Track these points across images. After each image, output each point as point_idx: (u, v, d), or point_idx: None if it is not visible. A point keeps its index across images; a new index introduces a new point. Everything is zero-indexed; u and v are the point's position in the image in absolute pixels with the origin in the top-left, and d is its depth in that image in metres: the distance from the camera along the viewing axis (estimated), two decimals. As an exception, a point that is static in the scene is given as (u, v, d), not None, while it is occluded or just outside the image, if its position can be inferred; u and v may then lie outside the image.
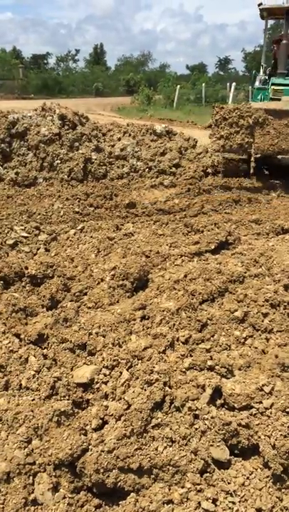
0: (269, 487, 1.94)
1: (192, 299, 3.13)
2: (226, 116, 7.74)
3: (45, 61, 58.64)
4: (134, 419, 2.04)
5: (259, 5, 9.33)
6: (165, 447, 1.99)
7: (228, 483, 1.91)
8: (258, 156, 7.76)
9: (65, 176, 7.10)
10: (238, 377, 2.34)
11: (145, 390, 2.15)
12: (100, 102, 31.94)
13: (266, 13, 9.57)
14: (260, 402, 2.12)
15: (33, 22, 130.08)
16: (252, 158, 7.62)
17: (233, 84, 26.22)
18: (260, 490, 1.91)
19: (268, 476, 1.97)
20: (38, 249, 4.62)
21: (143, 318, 3.01)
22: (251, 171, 7.64)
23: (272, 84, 9.15)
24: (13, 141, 7.40)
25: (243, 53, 64.40)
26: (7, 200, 6.39)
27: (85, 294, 3.51)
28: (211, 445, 2.01)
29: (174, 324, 2.87)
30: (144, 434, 2.02)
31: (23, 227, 4.96)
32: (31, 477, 1.99)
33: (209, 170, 8.16)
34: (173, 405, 2.12)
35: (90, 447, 2.03)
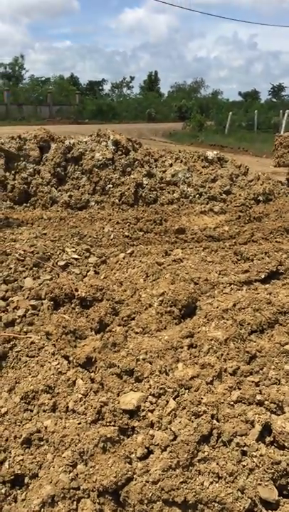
0: None
1: (241, 329, 3.08)
2: (282, 142, 11.76)
3: (101, 87, 60.51)
4: (181, 451, 2.01)
5: None
6: (211, 482, 1.94)
7: (276, 526, 1.84)
8: None
9: (117, 200, 7.23)
10: (288, 414, 2.27)
11: (192, 421, 2.12)
12: (152, 127, 32.49)
13: None
14: (312, 443, 2.04)
15: (89, 49, 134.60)
16: None
17: (287, 111, 26.15)
18: (309, 536, 1.82)
19: None
20: (87, 271, 4.70)
21: (190, 346, 2.99)
22: None
23: None
24: (68, 165, 7.63)
25: (297, 80, 63.93)
26: (60, 222, 6.56)
27: (133, 318, 3.52)
28: (259, 484, 1.94)
29: (222, 354, 2.83)
30: (190, 468, 1.98)
31: (74, 249, 5.07)
32: (75, 502, 1.99)
33: (260, 198, 8.09)
34: (220, 439, 2.08)
35: (134, 476, 2.02)
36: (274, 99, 64.05)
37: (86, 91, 55.95)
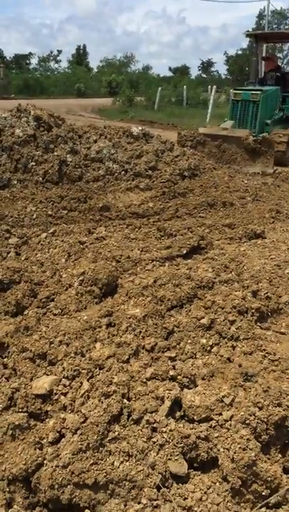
0: (227, 501, 1.90)
1: (160, 306, 3.09)
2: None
3: (28, 61, 58.06)
4: (90, 432, 1.98)
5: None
6: (122, 462, 1.94)
7: (185, 498, 1.86)
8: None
9: (40, 178, 6.99)
10: (200, 387, 2.30)
11: (102, 402, 2.10)
12: (81, 103, 31.66)
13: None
14: (220, 414, 2.09)
15: (15, 21, 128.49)
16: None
17: (214, 87, 26.46)
18: (217, 505, 1.86)
19: (226, 490, 1.93)
20: (8, 253, 4.53)
21: (109, 325, 2.96)
22: None
23: (234, 89, 12.62)
24: (-13, 142, 7.26)
25: (225, 56, 64.65)
26: (-21, 203, 6.26)
27: (52, 300, 3.44)
28: (169, 459, 1.96)
29: (140, 332, 2.82)
30: (100, 449, 1.97)
31: (-7, 231, 4.86)
32: (-17, 494, 1.92)
33: (186, 173, 8.13)
34: (131, 418, 2.07)
35: (45, 462, 1.97)
36: (204, 75, 64.59)
37: (12, 64, 53.56)
